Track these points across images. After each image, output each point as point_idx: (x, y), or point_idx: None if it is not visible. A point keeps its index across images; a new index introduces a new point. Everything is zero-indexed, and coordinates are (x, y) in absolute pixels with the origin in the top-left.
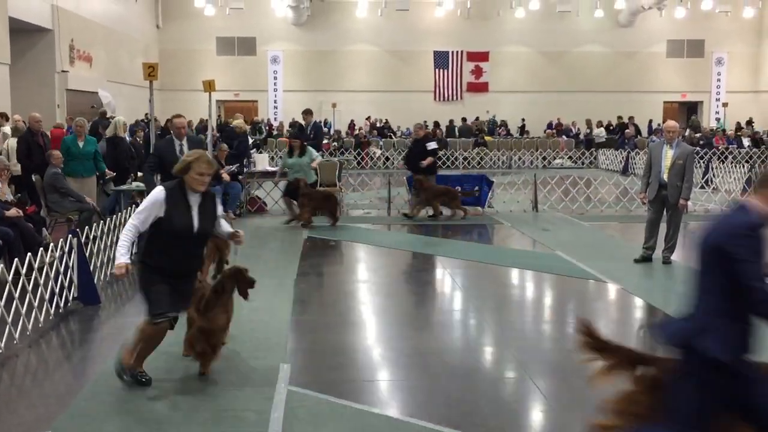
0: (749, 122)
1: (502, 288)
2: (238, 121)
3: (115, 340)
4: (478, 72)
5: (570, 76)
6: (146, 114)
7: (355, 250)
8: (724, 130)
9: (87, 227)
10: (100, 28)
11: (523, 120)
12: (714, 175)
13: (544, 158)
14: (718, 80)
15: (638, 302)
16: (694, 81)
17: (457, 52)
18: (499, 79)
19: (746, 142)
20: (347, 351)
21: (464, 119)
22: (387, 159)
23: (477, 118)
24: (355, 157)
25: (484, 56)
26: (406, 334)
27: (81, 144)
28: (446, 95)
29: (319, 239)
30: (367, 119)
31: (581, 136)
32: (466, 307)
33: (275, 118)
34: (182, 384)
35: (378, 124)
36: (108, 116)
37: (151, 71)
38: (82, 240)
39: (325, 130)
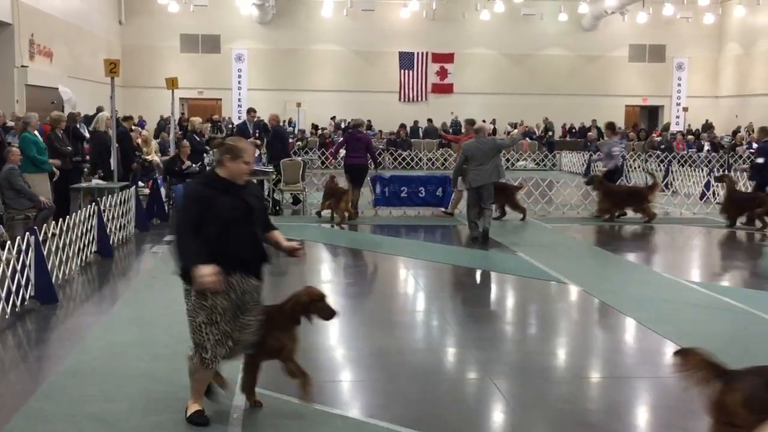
0: (708, 127)
1: (464, 289)
2: (193, 119)
3: (72, 340)
4: (443, 73)
5: (534, 78)
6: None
7: (317, 250)
8: (683, 134)
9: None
10: (61, 23)
11: (493, 121)
12: (674, 179)
13: (508, 160)
14: (679, 85)
15: (597, 304)
16: (655, 85)
17: (422, 53)
18: (463, 81)
19: (706, 146)
20: (308, 351)
21: (429, 120)
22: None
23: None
24: (319, 156)
25: (449, 57)
26: (367, 335)
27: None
28: (411, 96)
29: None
30: (332, 119)
31: (544, 139)
32: (428, 307)
33: (239, 117)
34: (139, 384)
35: (343, 125)
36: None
37: (112, 68)
38: (40, 238)
39: (290, 129)
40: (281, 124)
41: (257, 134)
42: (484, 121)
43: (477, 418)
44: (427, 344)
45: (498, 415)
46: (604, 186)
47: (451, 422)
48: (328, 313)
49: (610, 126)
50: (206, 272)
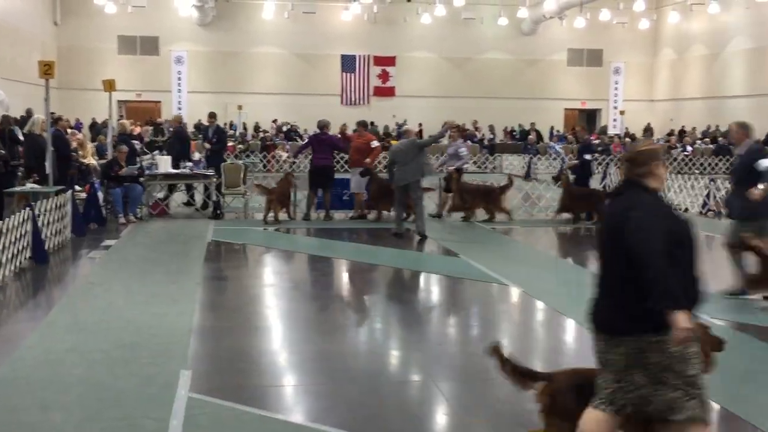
0: (647, 130)
1: (406, 292)
2: (123, 122)
3: (6, 348)
4: (384, 76)
5: (474, 81)
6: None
7: (259, 253)
8: (620, 137)
9: None
10: None
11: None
12: (611, 181)
13: None
14: (616, 89)
15: (539, 305)
16: (593, 89)
17: (364, 56)
18: (405, 84)
19: None
20: (251, 356)
21: (372, 123)
22: (293, 162)
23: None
24: (261, 159)
25: (390, 61)
26: (310, 339)
27: None
28: (353, 99)
29: (223, 243)
30: (273, 122)
31: (485, 141)
32: (370, 310)
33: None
34: (76, 392)
35: (284, 128)
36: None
37: (47, 69)
38: None
39: (231, 132)
40: (183, 125)
41: (215, 139)
42: (420, 125)
43: (419, 420)
44: (370, 347)
45: (440, 417)
46: (458, 184)
47: (393, 425)
48: (720, 344)
49: (457, 127)
50: (687, 323)
